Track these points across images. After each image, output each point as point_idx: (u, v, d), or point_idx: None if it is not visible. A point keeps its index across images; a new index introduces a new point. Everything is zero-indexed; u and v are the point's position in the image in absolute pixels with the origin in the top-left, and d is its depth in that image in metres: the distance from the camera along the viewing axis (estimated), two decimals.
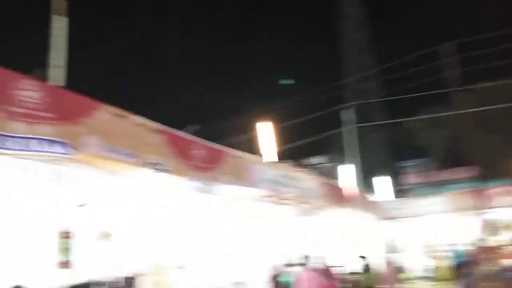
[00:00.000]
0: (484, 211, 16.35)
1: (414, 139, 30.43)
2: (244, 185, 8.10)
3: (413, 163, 37.53)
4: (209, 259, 9.38)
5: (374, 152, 33.98)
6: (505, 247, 13.65)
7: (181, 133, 7.25)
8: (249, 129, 17.30)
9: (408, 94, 24.39)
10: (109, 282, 7.10)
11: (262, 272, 9.91)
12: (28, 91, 4.44)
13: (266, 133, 12.36)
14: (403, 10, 48.82)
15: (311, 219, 10.60)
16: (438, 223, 16.96)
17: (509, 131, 23.18)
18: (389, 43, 40.30)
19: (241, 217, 9.34)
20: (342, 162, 22.74)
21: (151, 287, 8.05)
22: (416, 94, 23.96)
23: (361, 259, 11.72)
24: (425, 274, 16.69)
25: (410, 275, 15.30)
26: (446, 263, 15.58)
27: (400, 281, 11.73)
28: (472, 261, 12.98)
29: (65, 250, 5.99)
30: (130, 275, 7.58)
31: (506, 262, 12.19)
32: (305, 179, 11.13)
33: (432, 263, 16.60)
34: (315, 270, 7.97)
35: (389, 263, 11.20)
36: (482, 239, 14.99)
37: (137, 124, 5.97)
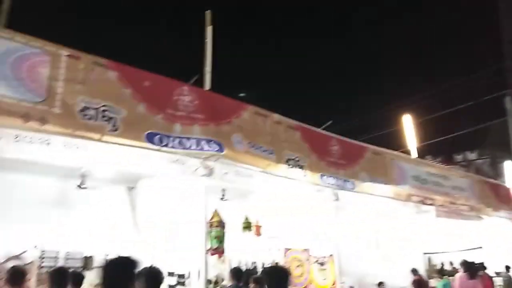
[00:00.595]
0: None
1: None
2: (389, 183, 7.84)
3: None
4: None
5: None
6: None
7: (316, 130, 7.32)
8: (389, 124, 16.43)
9: None
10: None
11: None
12: (186, 96, 5.29)
13: (409, 126, 11.56)
14: None
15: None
16: None
17: None
18: None
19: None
20: (503, 158, 19.78)
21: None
22: None
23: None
24: None
25: None
26: None
27: None
28: None
29: (216, 238, 6.64)
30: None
31: None
32: (461, 177, 10.18)
33: None
34: (476, 277, 7.46)
35: None
36: None
37: (275, 122, 6.33)
